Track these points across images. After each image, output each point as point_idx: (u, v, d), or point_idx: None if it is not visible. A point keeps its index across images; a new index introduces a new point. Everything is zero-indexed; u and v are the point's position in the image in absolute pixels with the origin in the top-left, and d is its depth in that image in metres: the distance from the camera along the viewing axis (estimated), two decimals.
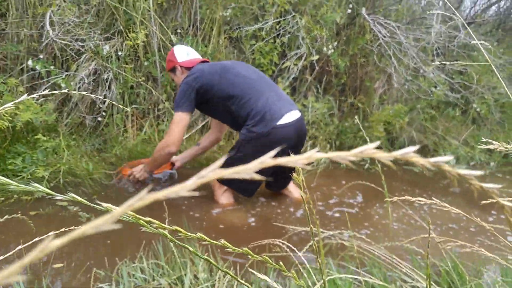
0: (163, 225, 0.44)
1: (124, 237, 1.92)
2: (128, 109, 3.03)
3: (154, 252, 1.70)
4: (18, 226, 1.94)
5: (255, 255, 0.52)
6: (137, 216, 0.44)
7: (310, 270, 1.30)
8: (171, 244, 1.66)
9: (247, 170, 0.18)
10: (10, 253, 0.79)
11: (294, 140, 2.13)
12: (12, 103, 0.47)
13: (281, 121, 2.05)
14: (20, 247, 0.79)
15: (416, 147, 0.20)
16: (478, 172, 0.21)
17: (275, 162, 0.20)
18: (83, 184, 2.49)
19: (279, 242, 1.36)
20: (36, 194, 2.25)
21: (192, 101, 2.12)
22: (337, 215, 2.31)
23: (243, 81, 2.13)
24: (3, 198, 2.24)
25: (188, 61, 2.27)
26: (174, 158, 2.54)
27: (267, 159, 0.19)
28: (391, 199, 0.72)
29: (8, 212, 2.08)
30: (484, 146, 0.57)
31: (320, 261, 0.64)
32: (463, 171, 0.21)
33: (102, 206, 0.42)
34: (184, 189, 0.17)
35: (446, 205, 0.98)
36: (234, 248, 0.51)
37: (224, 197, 2.31)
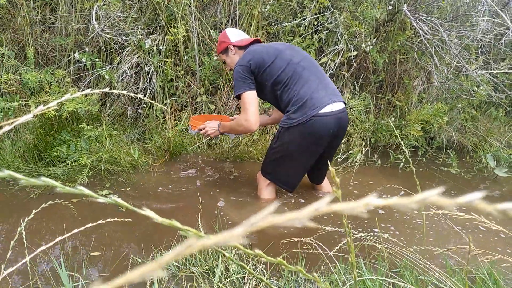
0: (200, 234, 0.46)
1: (159, 226, 2.00)
2: (165, 106, 3.12)
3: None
4: (61, 211, 2.06)
5: (289, 265, 0.54)
6: (181, 226, 0.48)
7: (340, 269, 1.32)
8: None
9: (300, 218, 0.19)
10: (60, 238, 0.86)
11: (334, 131, 2.07)
12: (63, 99, 0.50)
13: (323, 110, 2.00)
14: (59, 238, 0.86)
15: (482, 194, 0.20)
16: None
17: (330, 209, 0.21)
18: (122, 173, 2.59)
19: (310, 240, 1.38)
20: (79, 181, 2.37)
21: (251, 80, 2.12)
22: (371, 215, 2.29)
23: (292, 67, 2.10)
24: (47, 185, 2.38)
25: (240, 41, 2.27)
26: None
27: (323, 207, 0.20)
28: (427, 213, 0.72)
29: (52, 197, 2.22)
30: None
31: (351, 261, 0.66)
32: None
33: (144, 211, 0.42)
34: (233, 236, 0.19)
35: (486, 221, 0.97)
36: (268, 257, 0.52)
37: (267, 191, 2.33)
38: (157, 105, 2.79)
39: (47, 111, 2.43)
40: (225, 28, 2.58)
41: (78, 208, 2.09)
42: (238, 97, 2.13)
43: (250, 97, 2.08)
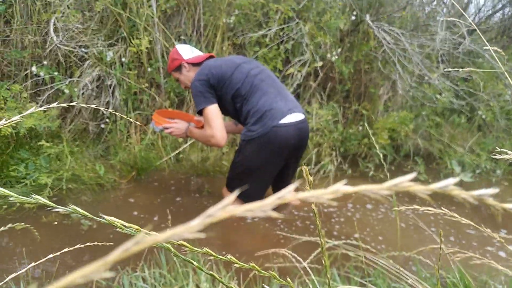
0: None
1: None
2: (131, 118, 3.02)
3: (156, 261, 1.68)
4: (22, 234, 1.93)
5: (262, 271, 0.51)
6: (141, 229, 0.43)
7: (315, 281, 1.27)
8: (171, 254, 1.65)
9: (263, 207, 0.16)
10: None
11: (295, 142, 2.05)
12: (19, 116, 0.46)
13: (282, 121, 1.98)
14: (28, 266, 0.78)
15: (456, 179, 0.19)
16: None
17: (297, 196, 0.18)
18: (85, 191, 2.47)
19: (285, 251, 1.34)
20: (39, 202, 2.23)
21: (212, 94, 2.06)
22: (342, 222, 2.28)
23: (250, 79, 2.07)
24: (5, 206, 2.24)
25: (194, 58, 2.21)
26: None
27: (288, 194, 0.17)
28: (398, 209, 0.70)
29: (11, 220, 2.08)
30: (499, 156, 0.55)
31: (326, 273, 0.62)
32: (507, 205, 0.19)
33: (105, 220, 0.42)
34: (189, 230, 0.15)
35: (455, 215, 0.95)
36: (241, 263, 0.49)
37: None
38: (123, 118, 2.69)
39: (2, 128, 2.29)
40: (177, 44, 2.53)
41: (40, 230, 1.96)
42: (200, 112, 2.07)
43: (213, 111, 2.04)
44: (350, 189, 0.18)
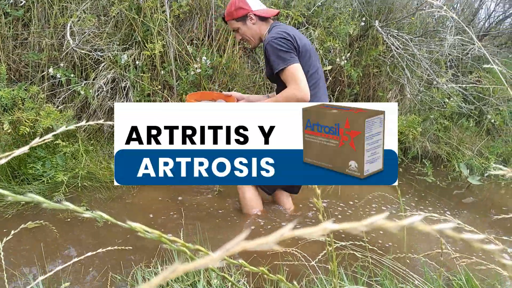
0: (186, 244, 0.45)
1: (140, 243, 1.97)
2: None
3: (169, 257, 1.74)
4: (39, 230, 2.00)
5: (271, 275, 0.54)
6: (163, 235, 0.47)
7: (323, 279, 1.32)
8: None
9: (268, 242, 0.21)
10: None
11: None
12: (51, 134, 0.49)
13: None
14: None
15: (421, 216, 0.23)
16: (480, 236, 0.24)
17: (293, 234, 0.23)
18: (99, 189, 2.55)
19: (293, 250, 1.39)
20: (55, 198, 2.31)
21: (295, 54, 1.88)
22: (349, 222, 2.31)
23: (320, 71, 2.01)
24: (23, 202, 2.32)
25: (263, 11, 2.04)
26: (240, 96, 2.32)
27: (287, 231, 0.22)
28: (405, 214, 0.74)
29: (29, 216, 2.16)
30: (494, 172, 0.59)
31: (333, 273, 0.66)
32: (466, 236, 0.24)
33: (128, 225, 0.41)
34: (212, 262, 0.21)
35: (459, 222, 1.00)
36: (251, 267, 0.52)
37: (250, 199, 2.26)
38: None
39: (21, 127, 2.37)
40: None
41: (57, 226, 2.04)
42: (278, 72, 1.89)
43: (299, 69, 1.86)
44: (336, 226, 0.23)
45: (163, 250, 1.81)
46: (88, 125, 3.05)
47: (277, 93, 2.08)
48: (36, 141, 0.38)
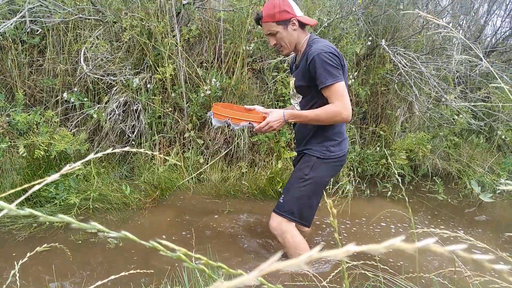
0: (189, 252, 0.46)
1: (149, 262, 1.98)
2: (153, 142, 3.14)
3: (179, 278, 1.74)
4: (52, 252, 2.03)
5: None
6: (189, 252, 0.49)
7: None
8: (196, 271, 1.70)
9: (299, 263, 0.23)
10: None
11: None
12: (79, 162, 0.49)
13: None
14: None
15: (435, 239, 0.25)
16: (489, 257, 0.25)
17: (321, 255, 0.25)
18: (111, 211, 2.58)
19: (305, 271, 1.39)
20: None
21: (342, 71, 1.84)
22: (361, 241, 2.30)
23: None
24: (35, 224, 2.36)
25: (306, 18, 1.95)
26: (264, 110, 2.11)
27: (315, 253, 0.24)
28: (416, 231, 0.75)
29: (41, 238, 2.19)
30: (503, 187, 0.60)
31: None
32: (476, 257, 0.26)
33: (150, 244, 0.40)
34: (247, 281, 0.23)
35: (470, 238, 1.00)
36: (270, 285, 0.54)
37: (294, 237, 2.00)
38: (146, 135, 2.79)
39: (36, 151, 2.42)
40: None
41: (70, 248, 2.06)
42: (324, 87, 1.82)
43: (345, 87, 1.83)
44: (357, 248, 0.25)
45: (173, 272, 1.82)
46: (100, 148, 3.11)
47: (301, 106, 2.04)
48: (66, 169, 0.41)
